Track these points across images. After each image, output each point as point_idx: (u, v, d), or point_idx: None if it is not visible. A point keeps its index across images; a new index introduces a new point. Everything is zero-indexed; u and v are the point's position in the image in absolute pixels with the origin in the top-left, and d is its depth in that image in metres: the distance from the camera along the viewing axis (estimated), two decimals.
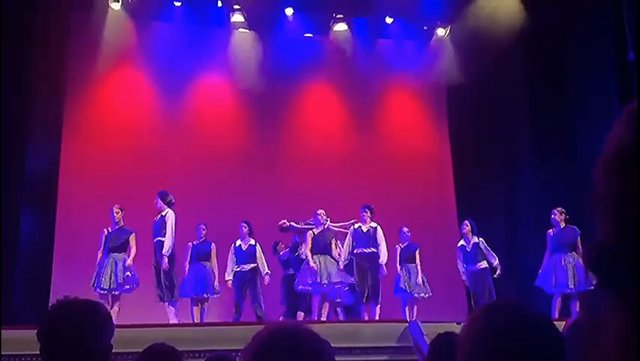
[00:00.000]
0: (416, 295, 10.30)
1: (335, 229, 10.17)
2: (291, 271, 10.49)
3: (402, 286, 10.35)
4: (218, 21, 12.92)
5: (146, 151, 12.36)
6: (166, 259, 9.57)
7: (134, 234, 9.70)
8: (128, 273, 9.47)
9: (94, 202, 11.11)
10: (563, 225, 9.94)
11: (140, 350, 2.88)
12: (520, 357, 1.27)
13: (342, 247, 10.21)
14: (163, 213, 9.75)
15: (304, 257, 10.05)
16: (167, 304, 9.61)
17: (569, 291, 9.66)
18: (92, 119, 12.43)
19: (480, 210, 11.87)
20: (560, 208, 9.99)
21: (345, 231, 10.34)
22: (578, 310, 9.48)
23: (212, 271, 10.11)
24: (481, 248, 10.40)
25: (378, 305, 10.02)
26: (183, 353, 3.17)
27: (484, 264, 10.37)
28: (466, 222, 10.63)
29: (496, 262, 10.38)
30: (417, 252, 10.54)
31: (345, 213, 10.46)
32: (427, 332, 8.00)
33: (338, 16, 13.15)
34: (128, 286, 9.53)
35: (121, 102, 12.68)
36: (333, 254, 9.96)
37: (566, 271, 9.67)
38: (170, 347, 2.88)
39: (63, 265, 11.04)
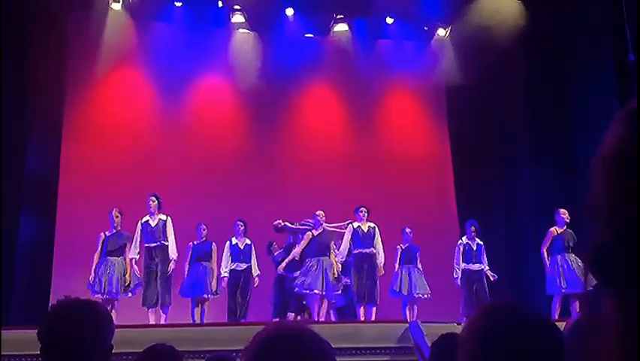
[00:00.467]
0: (415, 295, 10.28)
1: (330, 229, 10.15)
2: (284, 272, 10.49)
3: (395, 288, 10.33)
4: (219, 21, 12.92)
5: (146, 152, 12.36)
6: (174, 264, 9.62)
7: (131, 239, 9.72)
8: (132, 287, 9.54)
9: (94, 203, 11.11)
10: (565, 227, 9.96)
11: (141, 351, 2.88)
12: (521, 357, 1.27)
13: (338, 249, 10.21)
14: (163, 218, 9.74)
15: (297, 258, 10.06)
16: (159, 308, 9.59)
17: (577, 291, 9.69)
18: (91, 119, 12.43)
19: (480, 211, 11.86)
20: (564, 210, 10.00)
21: (342, 231, 10.33)
22: (577, 310, 9.48)
23: (214, 271, 10.11)
24: (482, 251, 10.42)
25: (376, 307, 10.00)
26: (183, 353, 3.17)
27: (482, 266, 10.38)
28: (474, 222, 10.62)
29: (487, 268, 10.41)
30: (417, 254, 10.54)
31: (344, 214, 10.45)
32: (427, 333, 8.00)
33: (338, 16, 13.16)
34: (130, 295, 9.57)
35: (121, 103, 12.68)
36: (332, 256, 9.95)
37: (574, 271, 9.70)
38: (170, 347, 2.88)
39: (63, 265, 11.04)
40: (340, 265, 9.99)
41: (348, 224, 10.23)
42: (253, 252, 10.30)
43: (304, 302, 10.18)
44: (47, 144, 11.64)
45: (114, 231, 9.70)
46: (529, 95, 12.52)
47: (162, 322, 9.53)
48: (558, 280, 9.79)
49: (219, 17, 12.91)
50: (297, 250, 10.15)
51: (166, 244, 9.65)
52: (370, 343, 8.66)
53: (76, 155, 11.97)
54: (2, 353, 7.50)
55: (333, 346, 1.44)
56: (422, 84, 13.40)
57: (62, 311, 2.03)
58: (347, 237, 10.12)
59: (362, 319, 9.84)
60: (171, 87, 12.67)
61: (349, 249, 10.57)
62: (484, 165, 12.77)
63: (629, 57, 10.34)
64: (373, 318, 9.89)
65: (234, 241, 10.27)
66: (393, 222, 10.68)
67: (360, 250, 10.02)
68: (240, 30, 12.97)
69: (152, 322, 9.49)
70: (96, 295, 9.15)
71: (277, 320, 9.91)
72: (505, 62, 12.34)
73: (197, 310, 9.99)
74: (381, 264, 10.06)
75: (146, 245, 9.66)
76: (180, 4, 12.67)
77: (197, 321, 9.87)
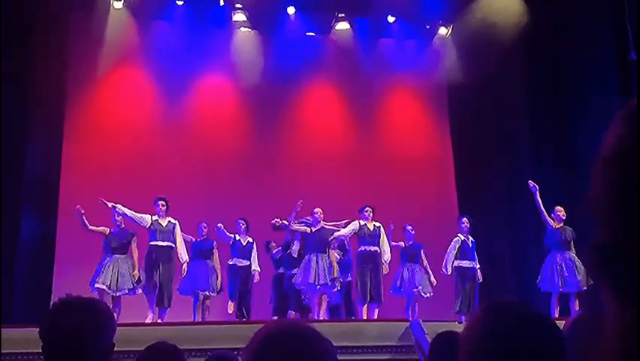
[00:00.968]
0: (417, 293, 10.27)
1: (328, 227, 10.15)
2: (282, 270, 10.50)
3: (398, 286, 10.33)
4: (220, 20, 12.92)
5: (147, 151, 12.36)
6: (186, 265, 9.75)
7: (135, 237, 9.73)
8: (141, 280, 9.56)
9: (95, 202, 11.09)
10: (562, 224, 9.96)
11: (142, 349, 2.89)
12: (521, 357, 1.27)
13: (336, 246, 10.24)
14: (172, 221, 9.80)
15: (295, 255, 10.08)
16: (157, 309, 9.60)
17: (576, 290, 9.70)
18: (92, 119, 12.43)
19: (480, 210, 11.87)
20: (560, 207, 10.01)
21: (339, 229, 10.36)
22: (577, 309, 9.48)
23: (215, 268, 10.13)
24: (474, 248, 10.43)
25: (379, 306, 10.00)
26: (185, 351, 3.17)
27: (474, 263, 10.38)
28: (467, 216, 10.63)
29: (478, 266, 10.42)
30: (421, 251, 10.53)
31: (346, 214, 10.45)
32: (428, 331, 8.00)
33: (340, 15, 13.16)
34: (140, 290, 9.60)
35: (122, 102, 12.68)
36: (331, 253, 9.95)
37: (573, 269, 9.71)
38: (171, 345, 2.88)
39: (64, 264, 11.04)
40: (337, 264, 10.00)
41: (346, 224, 10.25)
42: (255, 250, 10.32)
43: (303, 300, 10.19)
44: (48, 143, 11.64)
45: (117, 228, 9.71)
46: (530, 95, 12.52)
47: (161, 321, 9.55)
48: (557, 279, 9.79)
49: (221, 16, 12.91)
50: (295, 248, 10.18)
51: (173, 246, 9.69)
52: (372, 341, 8.67)
53: (77, 154, 11.98)
54: (3, 351, 7.51)
55: (334, 344, 1.44)
56: (423, 83, 13.39)
57: (64, 309, 2.03)
58: (352, 228, 10.06)
59: (365, 317, 9.84)
60: (172, 86, 12.67)
61: (349, 248, 10.60)
62: (485, 164, 12.77)
63: (630, 56, 10.34)
64: (376, 317, 9.89)
65: (237, 237, 10.30)
66: (395, 222, 10.67)
67: (365, 249, 10.02)
68: (242, 29, 12.97)
69: (149, 321, 9.50)
70: (95, 289, 9.15)
71: (276, 318, 9.92)
72: (507, 62, 12.33)
73: (199, 307, 10.01)
74: (387, 262, 10.06)
75: (153, 243, 9.66)
76: (182, 2, 12.68)
77: (199, 319, 9.89)
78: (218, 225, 10.19)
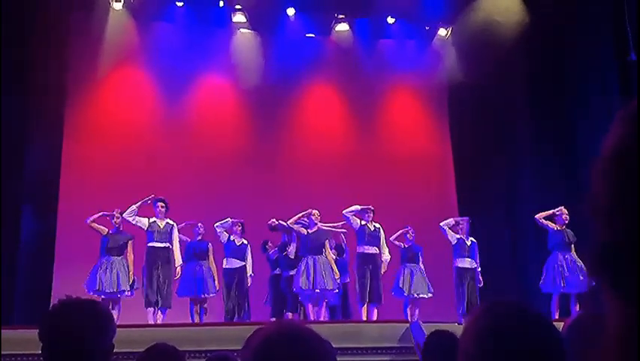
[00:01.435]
0: (415, 295, 10.28)
1: (324, 228, 10.15)
2: (278, 271, 10.50)
3: (400, 286, 10.34)
4: (220, 21, 12.92)
5: (147, 151, 12.37)
6: (180, 269, 9.77)
7: (132, 240, 9.73)
8: (136, 285, 9.58)
9: (95, 202, 11.09)
10: (564, 226, 9.98)
11: (142, 350, 2.88)
12: (521, 357, 1.27)
13: (333, 248, 10.24)
14: (170, 222, 9.80)
15: (292, 257, 10.08)
16: (157, 309, 9.61)
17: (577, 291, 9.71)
18: (93, 119, 12.44)
19: (481, 210, 11.88)
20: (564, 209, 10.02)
21: (338, 230, 10.37)
22: (578, 310, 9.49)
23: (211, 270, 10.13)
24: (475, 249, 10.43)
25: (378, 307, 10.00)
26: (184, 352, 3.18)
27: (474, 264, 10.39)
28: (467, 218, 10.65)
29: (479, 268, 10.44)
30: (420, 253, 10.54)
31: None
32: (428, 333, 7.98)
33: (340, 16, 13.16)
34: (130, 293, 9.59)
35: (122, 102, 12.68)
36: (328, 255, 9.96)
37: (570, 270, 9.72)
38: (171, 346, 2.88)
39: (64, 265, 11.04)
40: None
41: (343, 225, 10.28)
42: (249, 252, 10.30)
43: (300, 301, 10.20)
44: (48, 143, 11.65)
45: (115, 230, 9.72)
46: (530, 95, 12.53)
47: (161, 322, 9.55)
48: (558, 280, 9.79)
49: (220, 17, 12.91)
50: (291, 250, 10.18)
51: (171, 247, 9.70)
52: (371, 343, 8.66)
53: (78, 154, 11.98)
54: (3, 352, 7.51)
55: (334, 345, 1.44)
56: (423, 84, 13.40)
57: (63, 311, 2.03)
58: (354, 208, 10.07)
59: (364, 318, 9.84)
60: (172, 87, 12.67)
61: (345, 249, 10.61)
62: (485, 164, 12.78)
63: (630, 57, 10.34)
64: (375, 318, 9.89)
65: (232, 237, 10.27)
66: (395, 222, 10.68)
67: (365, 250, 10.02)
68: (241, 30, 12.97)
69: (151, 322, 9.50)
70: (97, 295, 9.15)
71: (273, 319, 9.91)
72: (507, 62, 12.34)
73: (196, 310, 10.01)
74: (386, 262, 10.07)
75: (151, 245, 9.66)
76: (181, 3, 12.68)
77: (197, 321, 9.89)
78: (215, 224, 10.18)
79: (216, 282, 10.09)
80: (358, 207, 10.10)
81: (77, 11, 12.09)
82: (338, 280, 9.97)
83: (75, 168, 11.87)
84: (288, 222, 10.07)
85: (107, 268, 9.43)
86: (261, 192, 12.16)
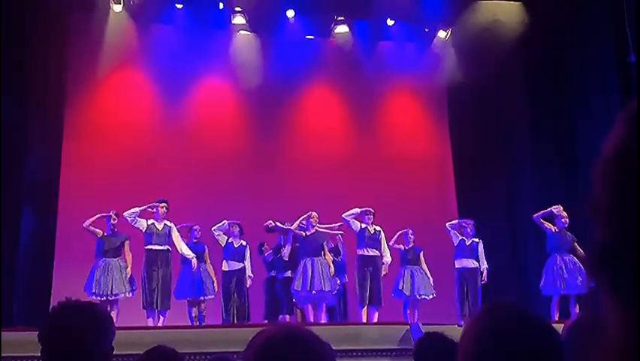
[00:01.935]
0: (417, 296, 10.28)
1: (321, 230, 10.16)
2: (274, 273, 10.50)
3: (400, 288, 10.34)
4: (220, 23, 12.91)
5: (146, 153, 12.37)
6: (196, 261, 9.82)
7: (129, 240, 9.72)
8: (135, 286, 9.59)
9: (95, 203, 11.09)
10: (564, 228, 9.98)
11: (141, 352, 2.88)
12: (521, 357, 1.27)
13: (330, 250, 10.25)
14: (168, 224, 9.80)
15: (286, 259, 10.09)
16: (156, 312, 9.60)
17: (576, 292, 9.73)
18: (92, 120, 12.44)
19: (480, 211, 11.88)
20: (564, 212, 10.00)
21: (334, 232, 10.38)
22: (577, 311, 9.49)
23: (208, 272, 10.14)
24: (478, 249, 10.43)
25: (378, 310, 9.99)
26: (184, 355, 3.17)
27: (477, 264, 10.39)
28: (472, 221, 10.66)
29: (485, 267, 10.41)
30: (421, 254, 10.53)
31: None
32: None
33: (339, 18, 13.15)
34: (130, 294, 9.58)
35: (122, 104, 12.69)
36: (327, 256, 9.97)
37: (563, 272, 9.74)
38: (171, 349, 2.88)
39: (64, 266, 11.04)
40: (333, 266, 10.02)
41: (340, 227, 10.29)
42: (247, 253, 10.28)
43: (295, 303, 10.20)
44: (48, 143, 11.65)
45: (111, 231, 9.71)
46: (530, 96, 12.54)
47: (161, 324, 9.54)
48: (558, 282, 9.80)
49: (220, 19, 12.91)
50: (286, 252, 10.18)
51: (170, 249, 9.71)
52: (371, 345, 8.66)
53: (78, 154, 11.98)
54: (3, 354, 7.51)
55: (333, 348, 1.44)
56: (423, 86, 13.40)
57: (63, 313, 2.03)
58: (357, 212, 10.06)
59: (364, 320, 9.83)
60: (172, 89, 12.67)
61: (342, 251, 10.62)
62: (484, 165, 12.78)
63: (629, 58, 10.35)
64: (375, 320, 9.89)
65: (230, 239, 10.27)
66: (394, 223, 10.68)
67: (365, 252, 10.01)
68: (241, 32, 12.96)
69: (150, 324, 9.49)
70: (95, 297, 9.14)
71: (272, 321, 9.91)
72: (506, 63, 12.35)
73: (195, 312, 10.01)
74: (387, 264, 10.07)
75: (150, 247, 9.65)
76: (181, 5, 12.67)
77: (196, 323, 9.89)
78: (212, 228, 10.18)
79: (215, 284, 10.08)
80: (358, 210, 10.10)
81: (77, 11, 12.10)
82: (338, 283, 9.99)
83: (75, 168, 11.87)
84: (291, 227, 10.07)
85: (104, 271, 9.42)
86: (261, 193, 12.16)
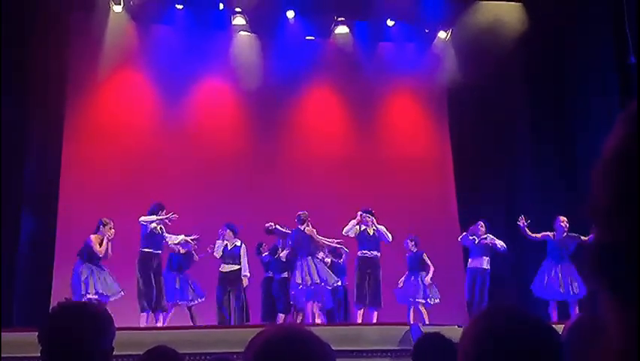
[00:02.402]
0: (422, 300, 10.25)
1: (317, 238, 10.14)
2: (270, 274, 10.51)
3: (404, 292, 10.33)
4: (220, 24, 12.91)
5: (146, 153, 12.36)
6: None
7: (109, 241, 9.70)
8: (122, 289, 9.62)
9: (95, 204, 11.11)
10: (565, 233, 9.93)
11: (142, 353, 2.89)
12: (520, 358, 1.27)
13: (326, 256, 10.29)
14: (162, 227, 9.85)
15: (284, 260, 10.10)
16: (153, 313, 9.60)
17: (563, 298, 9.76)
18: (93, 121, 12.43)
19: (481, 211, 11.86)
20: (563, 217, 9.98)
21: (334, 245, 10.41)
22: (577, 312, 9.49)
23: (190, 276, 10.28)
24: (488, 245, 10.39)
25: (377, 311, 9.98)
26: (184, 355, 3.17)
27: (483, 263, 10.36)
28: (479, 222, 10.64)
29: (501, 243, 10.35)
30: (424, 256, 10.49)
31: (347, 216, 10.44)
32: None
33: (339, 19, 13.15)
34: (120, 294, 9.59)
35: (122, 104, 12.68)
36: (320, 256, 10.00)
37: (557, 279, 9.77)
38: (171, 349, 2.88)
39: (64, 267, 11.01)
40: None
41: (340, 242, 10.32)
42: (243, 252, 10.27)
43: (291, 303, 10.21)
44: (48, 143, 11.65)
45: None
46: (530, 96, 12.54)
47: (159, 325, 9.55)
48: (556, 286, 9.79)
49: (220, 20, 12.90)
50: (283, 254, 10.21)
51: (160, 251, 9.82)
52: (371, 345, 8.66)
53: (77, 156, 11.98)
54: (3, 355, 7.50)
55: (333, 348, 1.44)
56: (423, 86, 13.40)
57: (63, 313, 2.03)
58: (354, 224, 10.06)
59: (359, 321, 9.83)
60: (172, 89, 12.67)
61: (343, 253, 10.62)
62: (484, 165, 12.78)
63: (630, 60, 10.35)
64: (375, 321, 9.88)
65: (225, 242, 10.26)
66: (394, 224, 10.67)
67: (365, 254, 10.00)
68: (241, 32, 12.96)
69: (142, 325, 9.48)
70: (88, 298, 9.11)
71: (270, 322, 9.91)
72: (506, 63, 12.34)
73: (193, 314, 10.07)
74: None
75: (145, 250, 9.64)
76: (181, 6, 12.67)
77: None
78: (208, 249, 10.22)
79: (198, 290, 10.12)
80: (354, 221, 10.09)
81: (77, 11, 12.09)
82: (339, 284, 9.99)
83: (75, 169, 11.87)
84: (325, 242, 10.11)
85: (93, 275, 9.39)
86: (261, 193, 12.16)
